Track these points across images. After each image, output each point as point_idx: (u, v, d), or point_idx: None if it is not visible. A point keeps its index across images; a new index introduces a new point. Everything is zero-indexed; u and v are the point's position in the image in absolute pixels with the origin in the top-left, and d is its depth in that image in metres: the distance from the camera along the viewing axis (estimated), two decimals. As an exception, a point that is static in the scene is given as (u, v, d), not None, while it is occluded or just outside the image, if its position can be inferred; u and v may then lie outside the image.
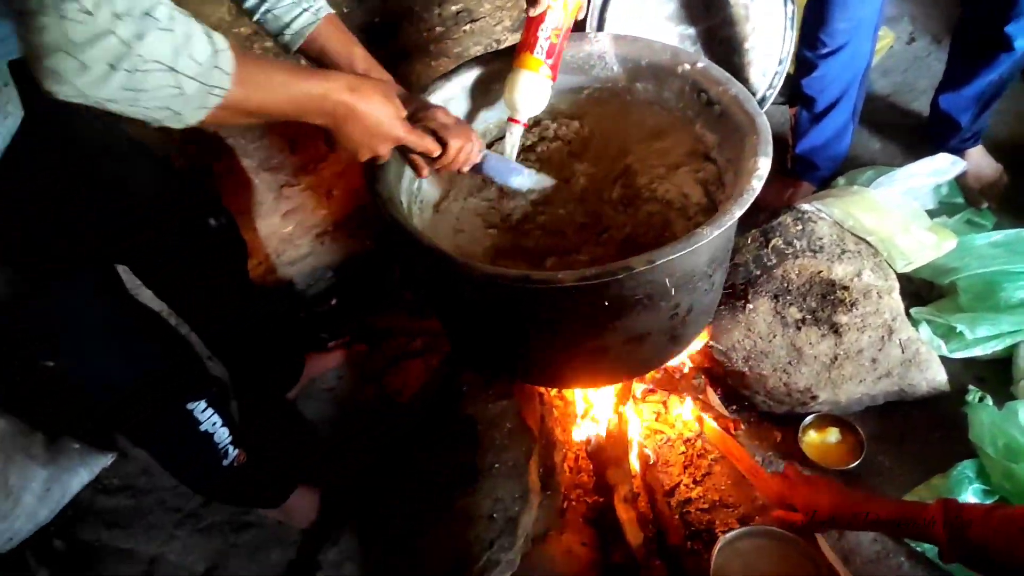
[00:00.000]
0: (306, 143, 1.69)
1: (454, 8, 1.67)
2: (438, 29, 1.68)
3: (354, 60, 1.11)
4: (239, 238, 1.46)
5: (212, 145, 1.56)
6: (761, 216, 1.57)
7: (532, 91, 1.18)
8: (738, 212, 1.08)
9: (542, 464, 1.37)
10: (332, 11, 1.10)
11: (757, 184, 1.11)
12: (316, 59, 1.11)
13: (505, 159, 1.22)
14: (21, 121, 0.93)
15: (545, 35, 1.14)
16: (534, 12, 1.13)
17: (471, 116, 1.42)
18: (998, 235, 1.58)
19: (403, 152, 1.06)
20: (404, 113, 1.00)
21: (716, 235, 1.07)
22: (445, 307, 1.32)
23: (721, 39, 1.98)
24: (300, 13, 1.06)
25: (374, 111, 0.93)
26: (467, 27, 1.72)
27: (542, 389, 1.45)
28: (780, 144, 1.90)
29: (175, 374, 1.20)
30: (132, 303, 1.22)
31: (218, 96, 0.73)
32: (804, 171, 1.88)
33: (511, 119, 1.22)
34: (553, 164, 1.45)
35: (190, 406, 1.22)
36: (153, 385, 1.17)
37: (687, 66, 1.32)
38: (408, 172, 1.26)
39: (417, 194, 1.35)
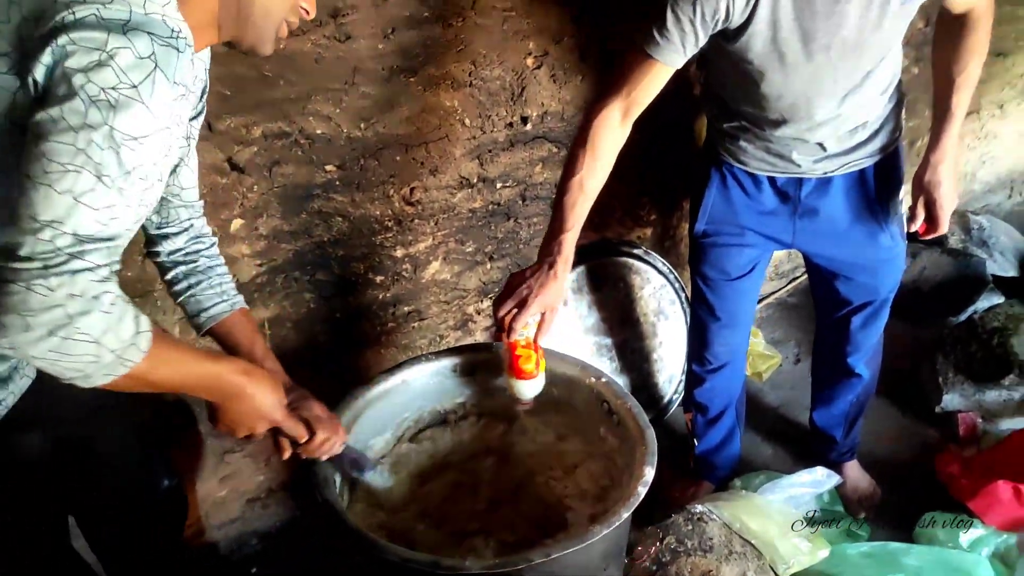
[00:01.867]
0: (256, 413, 1.86)
1: (406, 309, 1.96)
2: (390, 324, 1.96)
3: (255, 349, 1.27)
4: (184, 499, 1.55)
5: (178, 408, 1.72)
6: (657, 513, 1.74)
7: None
8: (626, 514, 1.25)
9: None
10: (246, 306, 1.30)
11: (642, 490, 1.29)
12: (222, 341, 1.28)
13: (363, 454, 1.41)
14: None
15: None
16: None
17: (406, 405, 1.62)
18: (866, 546, 1.76)
19: (274, 432, 1.21)
20: (286, 400, 1.17)
21: (606, 533, 1.24)
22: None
23: (633, 349, 2.31)
24: (218, 303, 1.25)
25: (260, 394, 1.09)
26: (416, 324, 2.00)
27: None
28: (685, 445, 2.14)
29: None
30: (71, 555, 1.29)
31: (126, 368, 0.86)
32: (705, 471, 2.10)
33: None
34: (471, 454, 1.64)
35: None
36: None
37: (592, 379, 1.58)
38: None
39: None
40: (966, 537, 1.79)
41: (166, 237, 1.24)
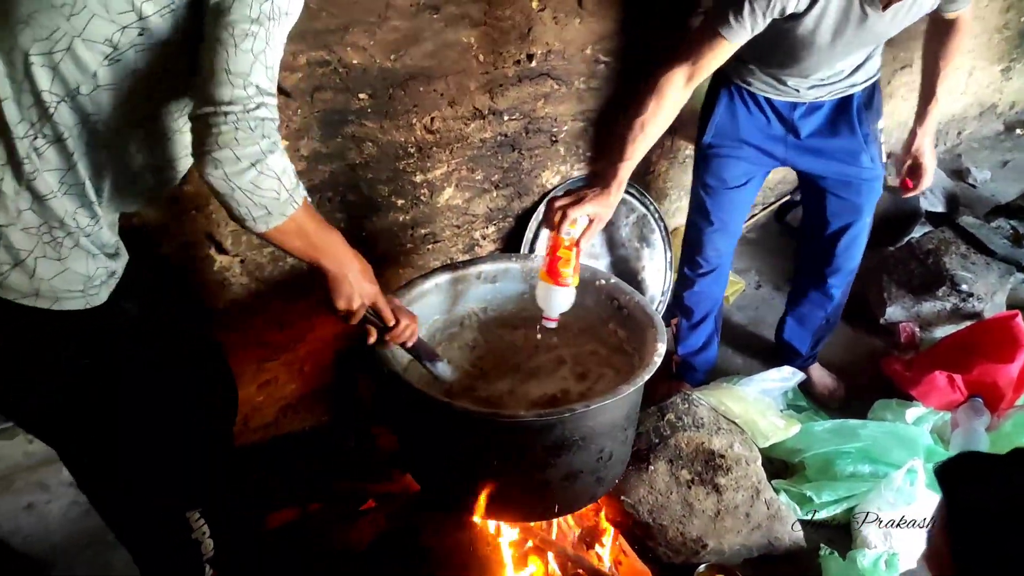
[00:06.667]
0: (292, 323, 2.03)
1: (423, 231, 2.15)
2: (408, 245, 2.15)
3: None
4: (234, 389, 1.72)
5: (223, 319, 1.89)
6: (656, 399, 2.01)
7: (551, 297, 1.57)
8: (647, 376, 1.49)
9: (487, 595, 1.61)
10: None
11: (658, 359, 1.54)
12: None
13: (431, 348, 1.59)
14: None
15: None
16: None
17: (437, 307, 1.82)
18: (829, 423, 2.07)
19: (366, 318, 1.37)
20: None
21: (631, 391, 1.48)
22: (418, 446, 1.62)
23: (620, 271, 2.56)
24: None
25: (365, 273, 1.29)
26: (430, 246, 2.20)
27: (489, 530, 1.71)
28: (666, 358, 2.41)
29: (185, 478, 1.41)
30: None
31: (294, 208, 1.09)
32: (685, 373, 2.38)
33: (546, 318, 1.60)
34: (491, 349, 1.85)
35: (188, 513, 1.42)
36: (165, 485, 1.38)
37: (603, 281, 1.81)
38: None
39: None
40: (910, 416, 2.12)
41: None
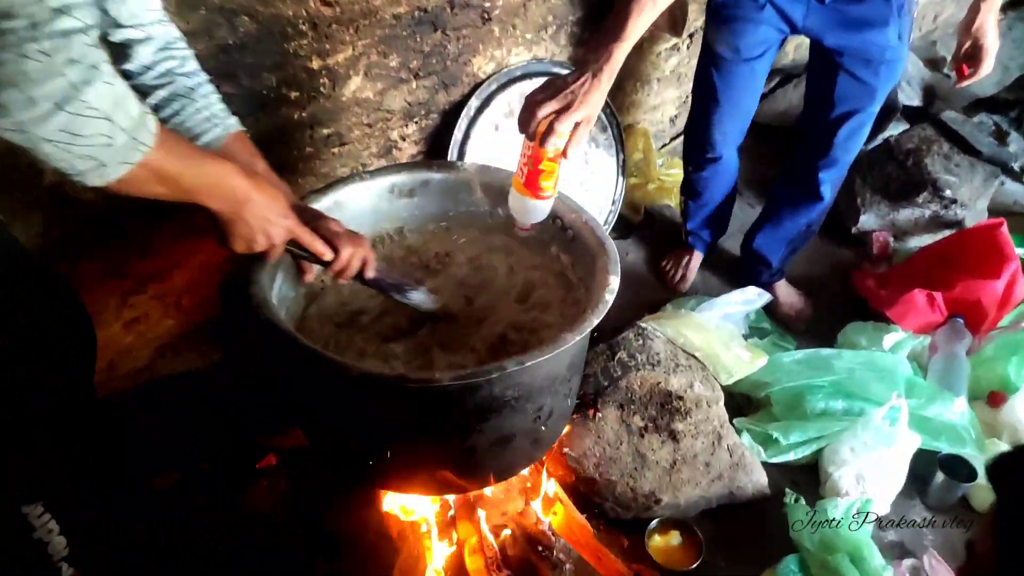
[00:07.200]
0: (160, 248, 1.66)
1: (325, 131, 1.76)
2: (308, 150, 1.76)
3: (256, 170, 1.17)
4: (91, 332, 1.38)
5: (67, 247, 1.50)
6: (606, 332, 1.73)
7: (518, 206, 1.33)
8: (595, 320, 1.19)
9: (404, 577, 1.35)
10: (242, 129, 1.18)
11: (610, 297, 1.24)
12: None
13: (401, 278, 1.32)
14: None
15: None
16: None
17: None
18: (800, 354, 1.83)
19: (294, 254, 1.13)
20: (293, 214, 1.07)
21: (576, 340, 1.18)
22: (312, 411, 1.31)
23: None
24: (211, 128, 1.13)
25: (268, 200, 1.01)
26: (336, 150, 1.81)
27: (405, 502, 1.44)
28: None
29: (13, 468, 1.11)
30: None
31: (141, 152, 0.81)
32: (696, 242, 2.25)
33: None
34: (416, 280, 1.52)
35: (25, 509, 1.12)
36: None
37: (543, 195, 1.48)
38: (279, 280, 1.29)
39: (287, 303, 1.36)
40: (888, 342, 1.89)
41: (128, 46, 1.06)
